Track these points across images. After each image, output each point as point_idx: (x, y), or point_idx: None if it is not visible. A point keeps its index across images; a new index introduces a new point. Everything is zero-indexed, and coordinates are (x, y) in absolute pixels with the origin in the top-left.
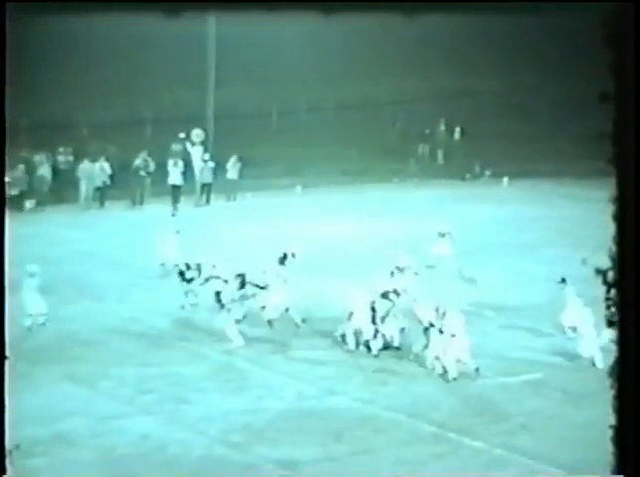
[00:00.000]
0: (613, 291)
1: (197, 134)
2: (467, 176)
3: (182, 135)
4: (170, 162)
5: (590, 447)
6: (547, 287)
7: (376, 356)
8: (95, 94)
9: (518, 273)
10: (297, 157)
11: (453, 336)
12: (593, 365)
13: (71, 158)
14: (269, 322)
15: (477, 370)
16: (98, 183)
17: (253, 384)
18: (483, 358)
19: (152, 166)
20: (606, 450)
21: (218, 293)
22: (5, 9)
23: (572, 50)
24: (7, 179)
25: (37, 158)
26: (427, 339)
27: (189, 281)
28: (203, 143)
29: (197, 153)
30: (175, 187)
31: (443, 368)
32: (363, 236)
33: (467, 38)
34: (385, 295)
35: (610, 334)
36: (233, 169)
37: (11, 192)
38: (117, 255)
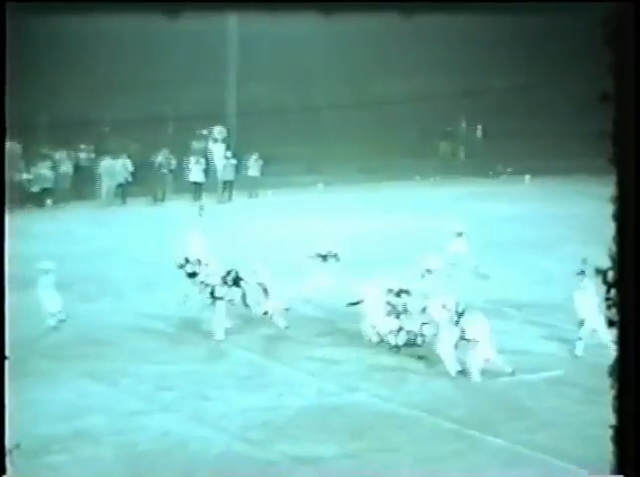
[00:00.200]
0: (613, 291)
1: (218, 131)
2: (489, 173)
3: (204, 132)
4: (191, 159)
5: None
6: (567, 285)
7: (397, 351)
8: (117, 92)
9: (538, 271)
10: (318, 155)
11: (476, 341)
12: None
13: (92, 155)
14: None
15: (512, 373)
16: (120, 180)
17: (274, 380)
18: (503, 355)
19: (173, 163)
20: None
21: (212, 289)
22: (5, 9)
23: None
24: (29, 176)
25: (58, 155)
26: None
27: (191, 276)
28: (224, 140)
29: (218, 150)
30: (196, 184)
31: (463, 368)
32: (385, 233)
33: (487, 37)
34: (399, 294)
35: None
36: (254, 166)
37: (32, 189)
38: (138, 253)
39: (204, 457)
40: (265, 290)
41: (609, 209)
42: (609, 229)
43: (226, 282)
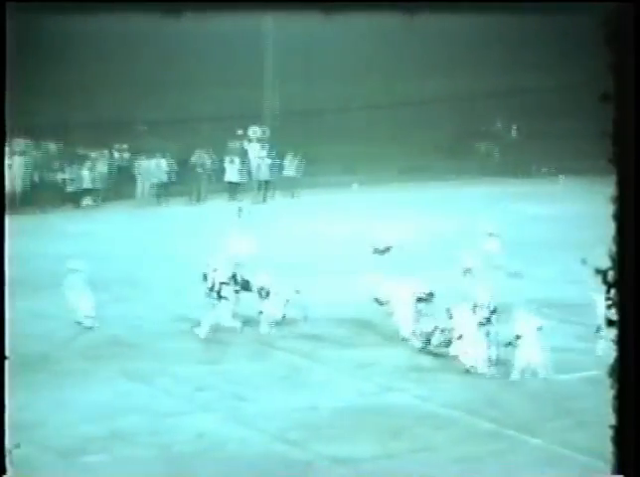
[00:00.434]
0: (613, 291)
1: (254, 131)
2: (524, 173)
3: (240, 132)
4: (226, 159)
5: None
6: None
7: (435, 352)
8: (153, 92)
9: (573, 271)
10: (354, 155)
11: (519, 338)
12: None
13: (128, 155)
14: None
15: (549, 372)
16: (156, 180)
17: (312, 381)
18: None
19: (210, 163)
20: None
21: (220, 288)
22: (5, 9)
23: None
24: (64, 176)
25: (94, 155)
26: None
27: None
28: (260, 140)
29: (254, 150)
30: (232, 184)
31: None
32: (420, 233)
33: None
34: (425, 296)
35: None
36: (290, 166)
37: (68, 189)
38: (174, 252)
39: (242, 458)
40: (267, 293)
41: None
42: None
43: (235, 281)
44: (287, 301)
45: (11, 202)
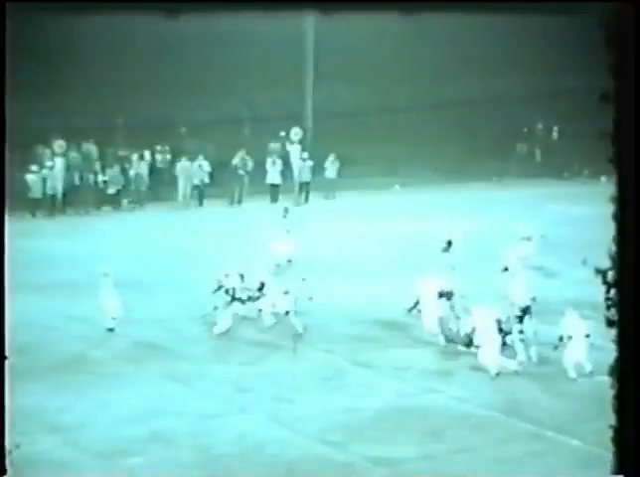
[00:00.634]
0: (613, 291)
1: (295, 133)
2: (565, 175)
3: (282, 134)
4: (268, 161)
5: None
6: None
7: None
8: (194, 93)
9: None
10: (395, 156)
11: (566, 338)
12: None
13: (168, 156)
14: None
15: (591, 373)
16: (196, 181)
17: (352, 382)
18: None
19: (250, 165)
20: None
21: (233, 290)
22: (5, 9)
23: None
24: (105, 177)
25: (134, 157)
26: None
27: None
28: (301, 142)
29: (295, 152)
30: (273, 186)
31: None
32: (463, 234)
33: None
34: (447, 296)
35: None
36: (331, 168)
37: (108, 191)
38: (214, 254)
39: (282, 459)
40: (260, 289)
41: None
42: None
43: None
44: (287, 293)
45: (52, 203)
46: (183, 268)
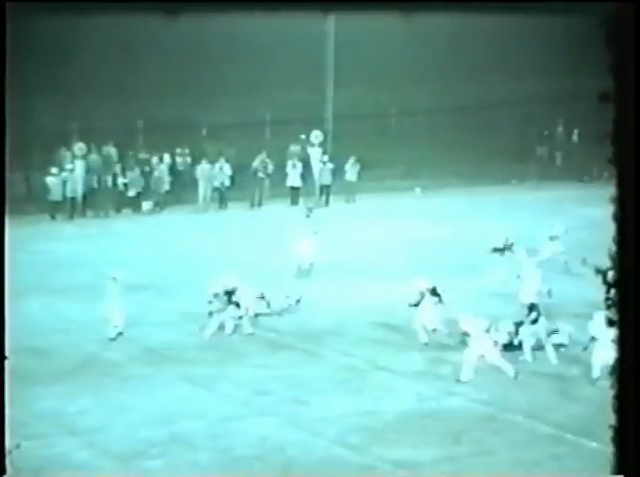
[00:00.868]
0: (613, 291)
1: (316, 136)
2: (585, 178)
3: (302, 136)
4: (289, 163)
5: None
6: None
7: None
8: (214, 96)
9: None
10: (416, 159)
11: (594, 339)
12: None
13: (188, 159)
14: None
15: (612, 373)
16: (217, 184)
17: (372, 385)
18: None
19: (271, 167)
20: None
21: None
22: (5, 9)
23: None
24: (125, 180)
25: (154, 159)
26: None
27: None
28: (321, 144)
29: (316, 154)
30: (294, 188)
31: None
32: (483, 237)
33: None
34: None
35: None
36: (351, 170)
37: (128, 193)
38: (235, 256)
39: (302, 462)
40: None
41: None
42: None
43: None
44: (262, 298)
45: (72, 206)
46: (202, 271)
